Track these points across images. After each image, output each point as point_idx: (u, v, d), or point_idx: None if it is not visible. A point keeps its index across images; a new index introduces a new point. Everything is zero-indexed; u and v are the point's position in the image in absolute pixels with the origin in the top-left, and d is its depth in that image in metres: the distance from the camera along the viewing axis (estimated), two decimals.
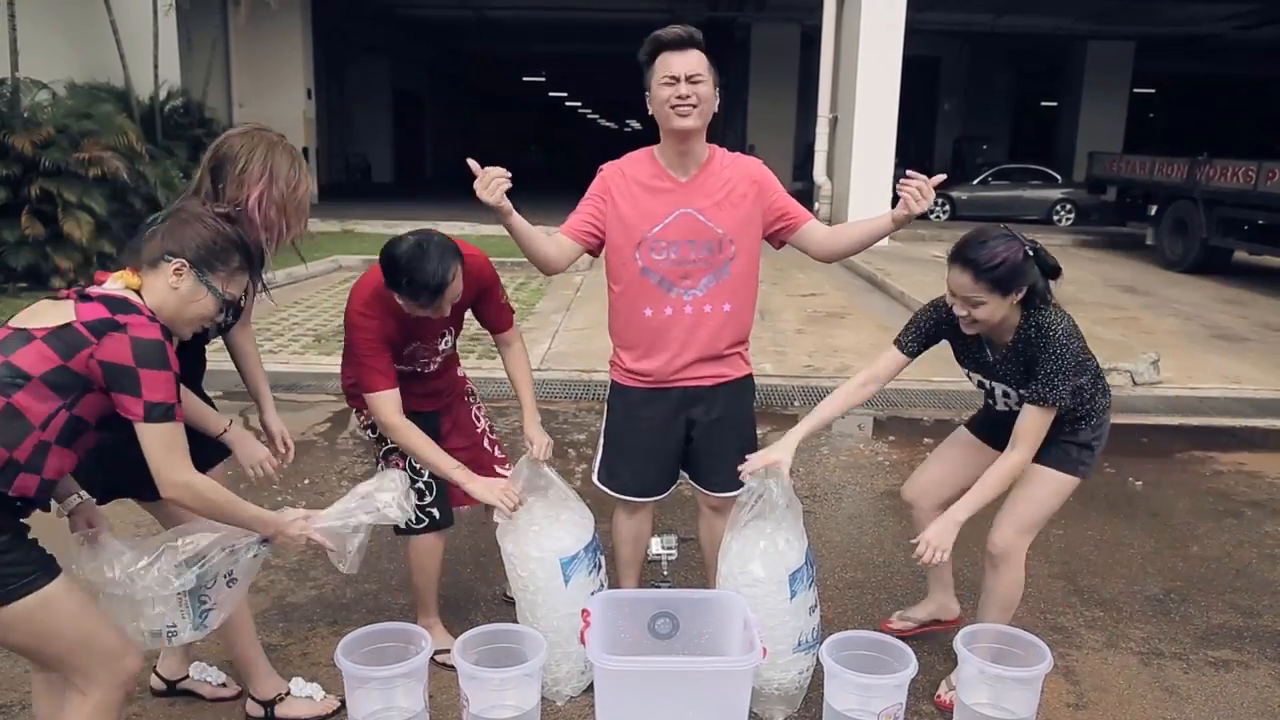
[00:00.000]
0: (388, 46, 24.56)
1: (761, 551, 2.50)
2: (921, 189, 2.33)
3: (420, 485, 2.66)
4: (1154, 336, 7.82)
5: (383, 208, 16.26)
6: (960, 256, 2.36)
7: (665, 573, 3.02)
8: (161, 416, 1.77)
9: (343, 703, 2.45)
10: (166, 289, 1.89)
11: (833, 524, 3.97)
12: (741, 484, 2.63)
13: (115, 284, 1.87)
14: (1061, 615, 3.21)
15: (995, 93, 26.42)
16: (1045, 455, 2.51)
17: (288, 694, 2.50)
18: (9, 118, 8.25)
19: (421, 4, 21.25)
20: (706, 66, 2.46)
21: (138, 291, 1.87)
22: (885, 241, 14.97)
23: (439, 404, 2.76)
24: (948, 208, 18.79)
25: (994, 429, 2.63)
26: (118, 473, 2.05)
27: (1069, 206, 18.46)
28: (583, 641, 2.35)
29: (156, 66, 10.33)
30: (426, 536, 2.74)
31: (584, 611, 2.42)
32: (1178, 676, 2.83)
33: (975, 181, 19.38)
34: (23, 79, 8.55)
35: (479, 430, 2.88)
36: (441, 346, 2.68)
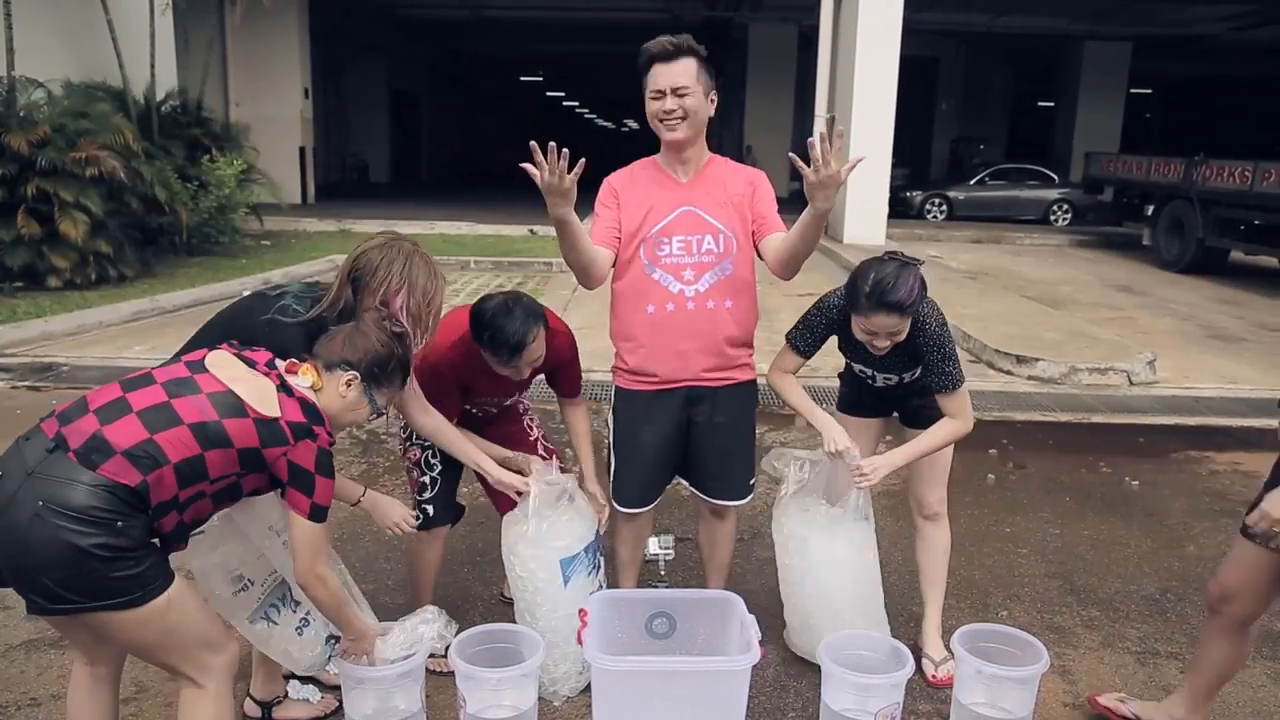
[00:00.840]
0: (385, 46, 24.55)
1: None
2: (821, 157, 2.23)
3: (425, 480, 2.73)
4: (1150, 336, 7.83)
5: (379, 207, 16.26)
6: (883, 304, 2.41)
7: (662, 573, 3.02)
8: (319, 518, 1.98)
9: (340, 703, 2.45)
10: (336, 394, 2.04)
11: None
12: (743, 494, 2.74)
13: (304, 380, 2.01)
14: (1058, 615, 3.22)
15: (992, 93, 26.45)
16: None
17: (285, 696, 2.51)
18: (5, 117, 8.23)
19: (419, 4, 21.24)
20: (695, 75, 2.48)
21: (318, 391, 2.03)
22: (882, 241, 14.97)
23: (490, 431, 2.83)
24: (945, 208, 18.81)
25: (875, 402, 2.85)
26: None
27: (1066, 206, 18.48)
28: (580, 641, 2.35)
29: (153, 66, 10.31)
30: (424, 533, 2.75)
31: (581, 611, 2.43)
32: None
33: (972, 181, 19.41)
34: (19, 78, 8.54)
35: (530, 440, 2.94)
36: (507, 403, 2.84)
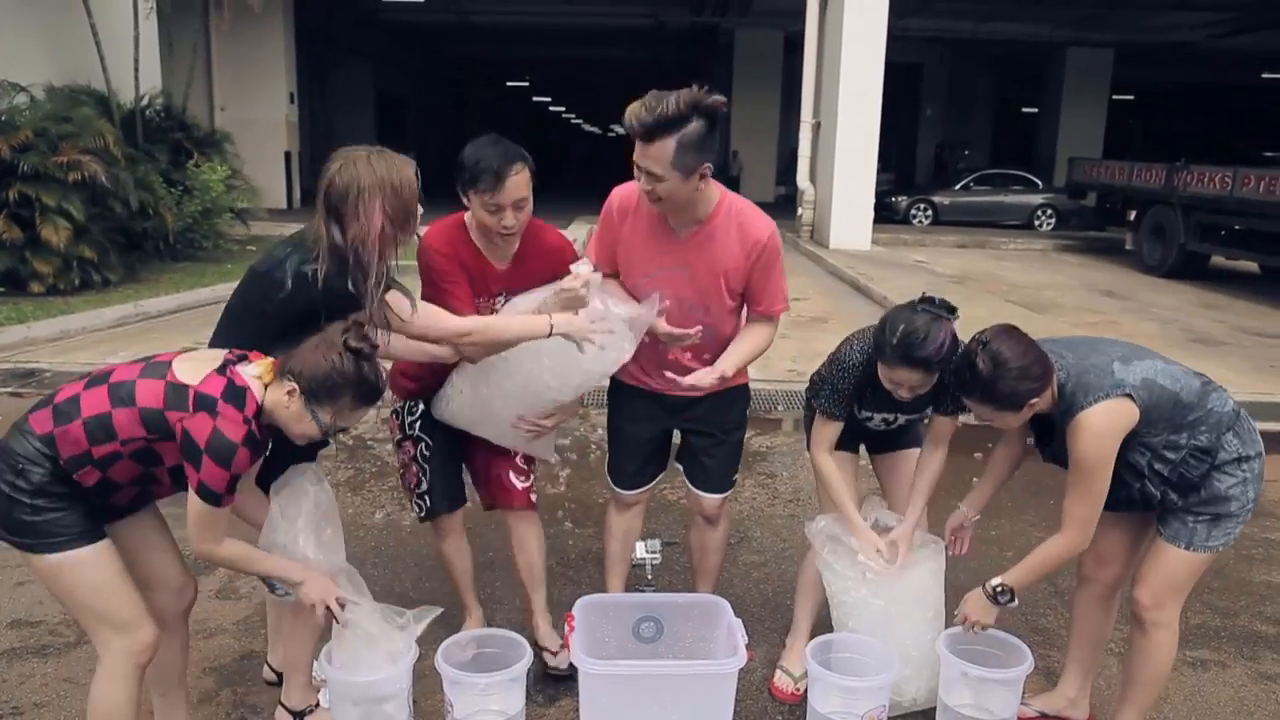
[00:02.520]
0: (371, 50, 24.48)
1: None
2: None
3: (419, 471, 2.69)
4: (1133, 340, 7.87)
5: None
6: (908, 359, 2.28)
7: (649, 577, 3.03)
8: (207, 498, 1.91)
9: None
10: (281, 400, 1.97)
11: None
12: (723, 489, 2.73)
13: (253, 370, 1.97)
14: (1042, 617, 3.24)
15: (977, 99, 26.65)
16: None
17: (317, 705, 2.47)
18: None
19: (405, 8, 21.21)
20: (669, 161, 2.24)
21: (268, 385, 1.96)
22: (867, 246, 15.01)
23: None
24: (930, 213, 18.93)
25: (852, 438, 2.71)
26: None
27: (1050, 211, 18.63)
28: (566, 645, 2.35)
29: (137, 70, 10.25)
30: (433, 528, 2.79)
31: (568, 615, 2.43)
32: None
33: (957, 187, 19.54)
34: (0, 82, 8.47)
35: None
36: (494, 307, 2.58)
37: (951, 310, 2.35)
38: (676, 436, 2.80)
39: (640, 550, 2.98)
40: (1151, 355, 2.30)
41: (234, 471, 1.90)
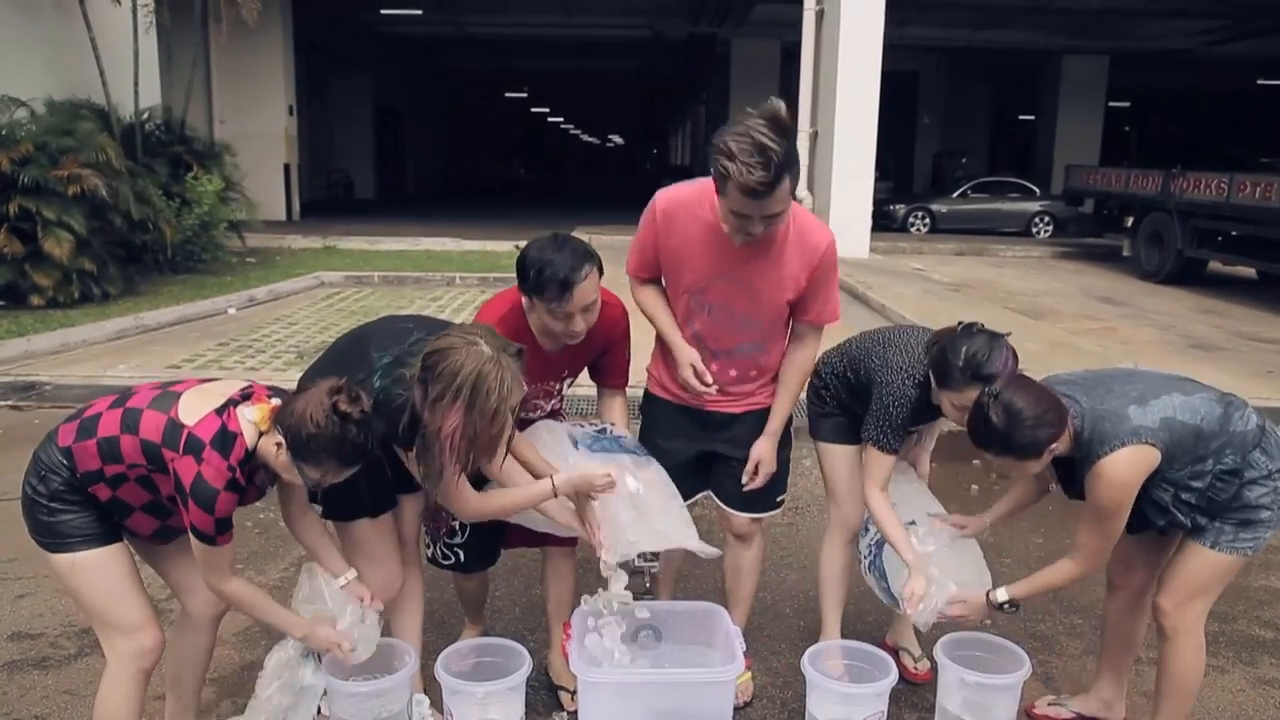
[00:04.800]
0: (369, 62, 24.58)
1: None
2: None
3: (455, 524, 2.58)
4: (1131, 346, 7.92)
5: (365, 224, 16.24)
6: (979, 377, 2.27)
7: (648, 585, 3.03)
8: (200, 538, 1.96)
9: None
10: (271, 449, 1.97)
11: (817, 535, 3.98)
12: (766, 508, 2.64)
13: (250, 414, 1.97)
14: (1041, 623, 3.24)
15: (974, 107, 26.73)
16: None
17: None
18: None
19: (403, 20, 21.29)
20: (789, 194, 2.17)
21: (262, 433, 1.96)
22: (866, 254, 15.04)
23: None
24: (928, 220, 18.97)
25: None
26: (381, 486, 2.25)
27: (1047, 219, 18.66)
28: (564, 654, 2.36)
29: (137, 84, 10.29)
30: (456, 575, 2.75)
31: (565, 624, 2.43)
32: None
33: (955, 194, 19.58)
34: (0, 96, 8.51)
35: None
36: (554, 390, 2.57)
37: (1002, 332, 2.40)
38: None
39: (638, 559, 2.98)
40: (1169, 387, 2.25)
41: (218, 515, 1.91)
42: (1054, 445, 2.17)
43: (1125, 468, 2.14)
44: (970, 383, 2.30)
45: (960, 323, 2.46)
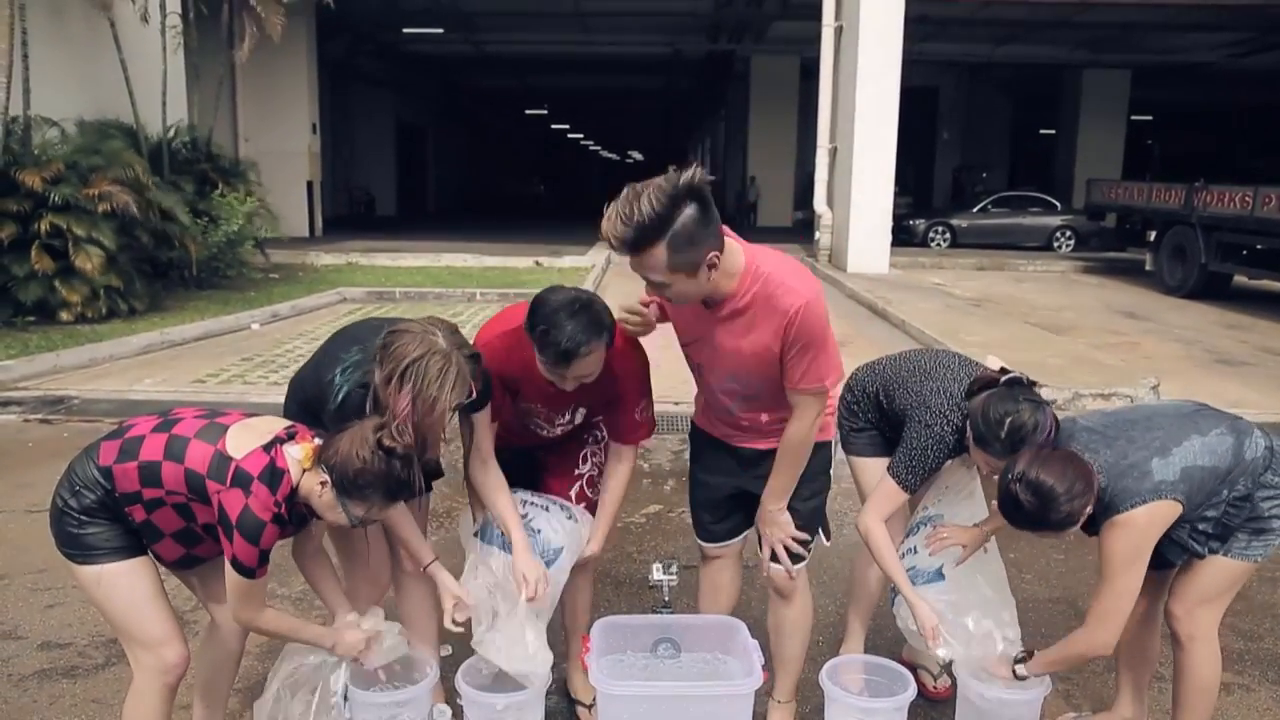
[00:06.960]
0: (392, 81, 24.90)
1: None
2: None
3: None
4: (1154, 361, 7.85)
5: (386, 240, 16.40)
6: (1016, 449, 2.24)
7: (666, 598, 3.03)
8: (240, 570, 1.99)
9: None
10: (315, 487, 2.00)
11: (834, 551, 3.97)
12: (795, 561, 2.51)
13: (296, 453, 2.00)
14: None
15: (994, 122, 26.66)
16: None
17: None
18: (20, 154, 8.38)
19: (425, 40, 21.56)
20: (666, 264, 1.97)
21: (305, 470, 2.00)
22: (885, 269, 14.98)
23: (546, 457, 2.68)
24: (948, 235, 18.91)
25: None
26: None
27: (1069, 233, 18.57)
28: (584, 666, 2.37)
29: (164, 103, 10.49)
30: None
31: (584, 637, 2.44)
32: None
33: (975, 209, 19.52)
34: (34, 116, 8.70)
35: (576, 472, 2.67)
36: (559, 420, 2.50)
37: (1032, 383, 2.37)
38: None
39: (657, 573, 2.98)
40: (1187, 429, 2.22)
41: (263, 547, 1.97)
42: (1089, 509, 2.15)
43: (1145, 522, 2.13)
44: (1010, 453, 2.27)
45: (1002, 370, 2.39)
